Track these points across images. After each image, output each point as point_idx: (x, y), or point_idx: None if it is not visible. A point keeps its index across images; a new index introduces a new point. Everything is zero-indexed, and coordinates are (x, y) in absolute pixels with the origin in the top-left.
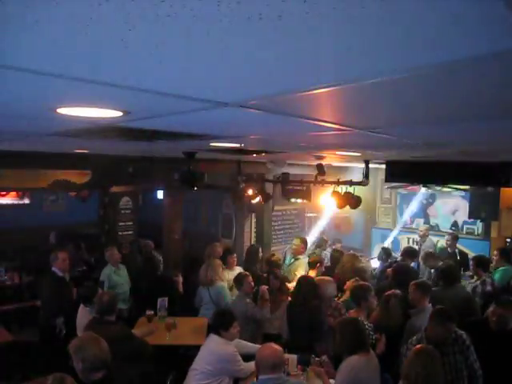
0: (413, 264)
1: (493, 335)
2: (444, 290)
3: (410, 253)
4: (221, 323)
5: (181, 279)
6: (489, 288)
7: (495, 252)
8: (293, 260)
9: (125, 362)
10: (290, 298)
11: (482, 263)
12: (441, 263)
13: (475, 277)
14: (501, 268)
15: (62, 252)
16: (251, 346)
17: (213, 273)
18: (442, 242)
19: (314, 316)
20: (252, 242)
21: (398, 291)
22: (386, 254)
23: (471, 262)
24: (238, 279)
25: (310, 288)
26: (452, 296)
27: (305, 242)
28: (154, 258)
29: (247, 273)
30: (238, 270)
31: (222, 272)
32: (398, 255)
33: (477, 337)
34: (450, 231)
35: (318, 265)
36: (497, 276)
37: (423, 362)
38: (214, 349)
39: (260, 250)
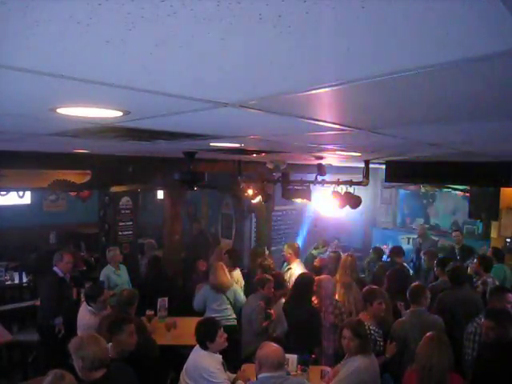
0: (412, 264)
1: (489, 346)
2: (453, 292)
3: (397, 251)
4: (205, 334)
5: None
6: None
7: (489, 251)
8: (286, 269)
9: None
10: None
11: (485, 263)
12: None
13: (473, 274)
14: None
15: (67, 254)
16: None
17: (227, 276)
18: (442, 242)
19: (313, 317)
20: (252, 242)
21: None
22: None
23: (475, 261)
24: (262, 281)
25: (306, 285)
26: (462, 297)
27: (294, 249)
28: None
29: (271, 277)
30: (237, 270)
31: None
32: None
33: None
34: (450, 231)
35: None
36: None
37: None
38: (197, 364)
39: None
